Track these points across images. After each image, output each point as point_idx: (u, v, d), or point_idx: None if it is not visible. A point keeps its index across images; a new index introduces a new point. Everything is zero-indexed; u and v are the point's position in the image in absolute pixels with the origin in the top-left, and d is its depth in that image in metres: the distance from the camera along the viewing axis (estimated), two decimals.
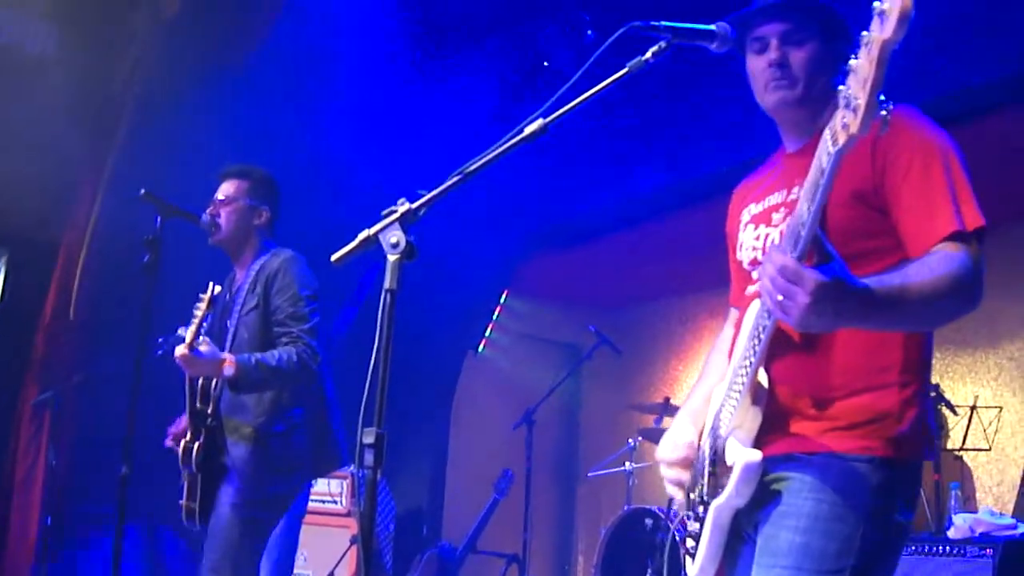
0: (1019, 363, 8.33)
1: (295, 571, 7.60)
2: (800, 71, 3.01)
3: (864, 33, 2.11)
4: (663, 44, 2.99)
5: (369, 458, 2.63)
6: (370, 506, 2.67)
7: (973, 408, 7.65)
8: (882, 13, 2.06)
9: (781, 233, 2.52)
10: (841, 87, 2.18)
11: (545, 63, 7.56)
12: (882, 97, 2.09)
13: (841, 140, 2.20)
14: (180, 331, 4.79)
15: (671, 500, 7.64)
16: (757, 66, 3.08)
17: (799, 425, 2.80)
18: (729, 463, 2.83)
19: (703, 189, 8.60)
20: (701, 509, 3.01)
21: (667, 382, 11.24)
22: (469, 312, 11.22)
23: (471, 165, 2.88)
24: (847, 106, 2.15)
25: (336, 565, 7.65)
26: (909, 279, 2.53)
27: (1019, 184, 6.66)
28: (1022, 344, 8.34)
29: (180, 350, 4.70)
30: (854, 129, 2.13)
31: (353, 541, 7.66)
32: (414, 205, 2.79)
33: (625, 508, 8.22)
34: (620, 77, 2.98)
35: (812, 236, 2.38)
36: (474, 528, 8.76)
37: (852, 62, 2.13)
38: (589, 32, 7.36)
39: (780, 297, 2.39)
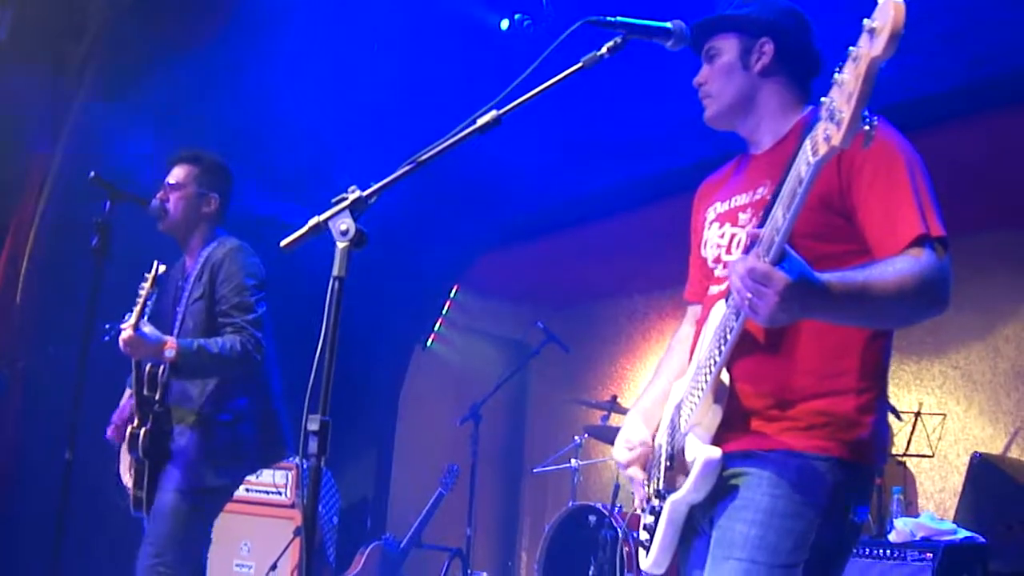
0: (964, 371, 8.41)
1: (236, 562, 7.59)
2: (713, 86, 3.17)
3: (852, 48, 2.10)
4: (618, 40, 3.01)
5: (313, 445, 2.63)
6: (313, 493, 2.66)
7: (917, 415, 7.71)
8: (872, 30, 2.05)
9: (748, 234, 2.54)
10: (824, 99, 2.18)
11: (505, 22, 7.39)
12: (866, 113, 2.09)
13: (822, 151, 2.20)
14: (127, 318, 4.77)
15: (615, 496, 7.68)
16: None
17: (759, 424, 2.84)
18: (689, 459, 2.86)
19: (656, 189, 8.64)
20: (656, 503, 3.04)
21: (615, 380, 11.26)
22: (418, 306, 11.21)
23: (423, 154, 2.88)
24: (831, 119, 2.15)
25: (279, 557, 7.62)
26: (872, 276, 2.59)
27: (963, 197, 6.70)
28: (967, 353, 8.42)
29: (125, 331, 4.67)
30: (836, 142, 2.13)
31: (296, 533, 7.63)
32: (365, 193, 2.78)
33: (569, 504, 8.23)
34: (573, 72, 2.99)
35: (784, 242, 2.41)
36: (418, 522, 8.76)
37: (837, 75, 2.13)
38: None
39: (750, 295, 2.44)
